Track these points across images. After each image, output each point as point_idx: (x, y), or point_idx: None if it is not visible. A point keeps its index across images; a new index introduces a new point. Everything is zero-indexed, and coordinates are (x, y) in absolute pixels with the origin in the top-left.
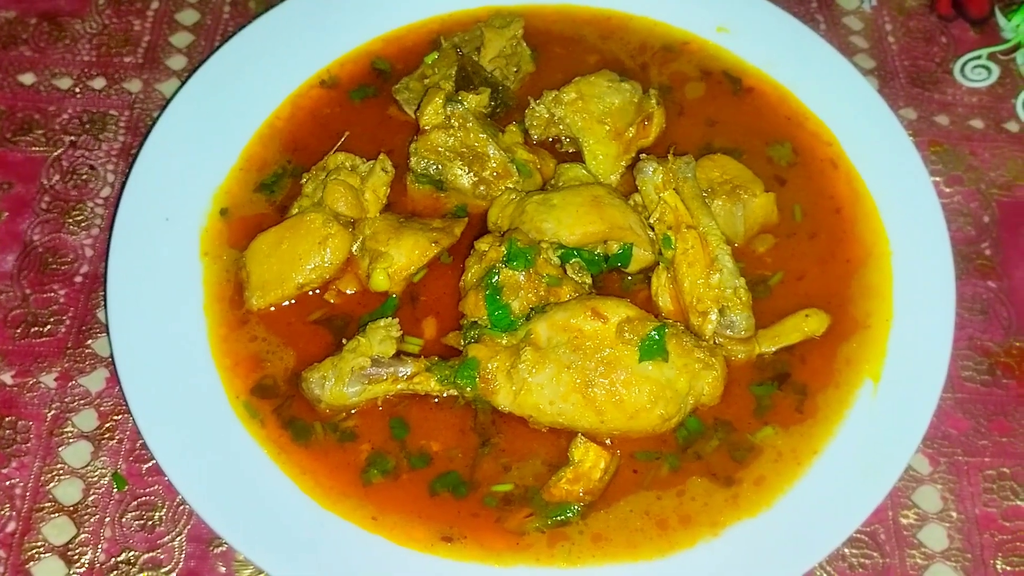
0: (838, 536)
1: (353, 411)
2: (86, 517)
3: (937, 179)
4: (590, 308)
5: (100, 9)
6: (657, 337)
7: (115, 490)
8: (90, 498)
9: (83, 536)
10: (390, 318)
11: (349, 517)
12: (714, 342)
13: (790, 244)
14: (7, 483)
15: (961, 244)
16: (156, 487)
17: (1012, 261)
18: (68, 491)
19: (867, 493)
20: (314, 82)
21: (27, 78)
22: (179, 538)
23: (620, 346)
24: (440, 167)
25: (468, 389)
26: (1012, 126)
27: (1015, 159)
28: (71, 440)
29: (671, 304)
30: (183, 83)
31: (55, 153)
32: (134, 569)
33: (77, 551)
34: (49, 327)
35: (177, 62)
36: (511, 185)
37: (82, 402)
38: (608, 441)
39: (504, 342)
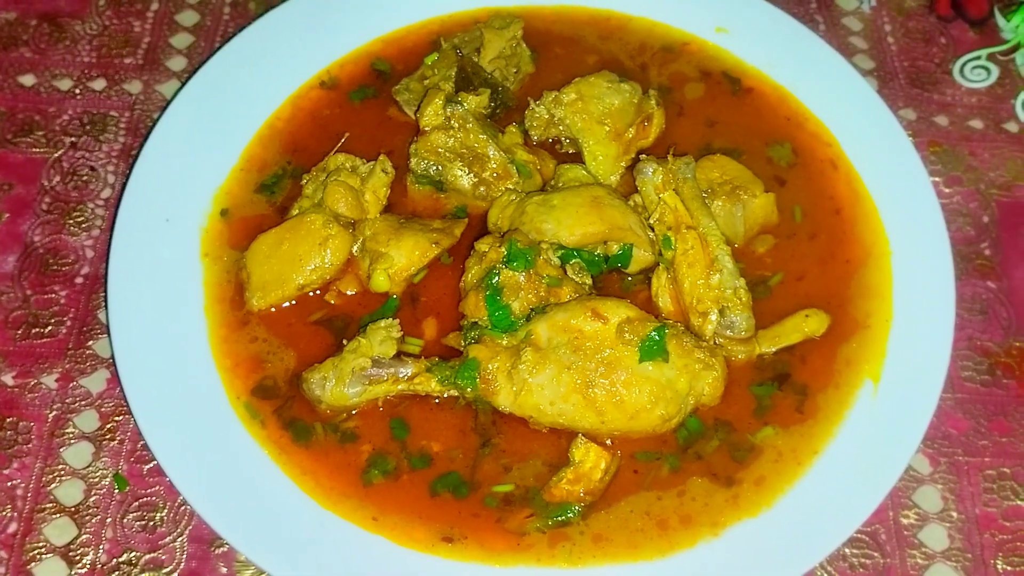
0: (839, 536)
1: (354, 412)
2: (87, 518)
3: (937, 179)
4: (590, 309)
5: (100, 10)
6: (657, 338)
7: (116, 491)
8: (91, 499)
9: (84, 537)
10: (390, 319)
11: (350, 518)
12: (714, 342)
13: (790, 245)
14: (8, 484)
15: (961, 244)
16: (157, 488)
17: (1012, 261)
18: (69, 492)
19: (867, 493)
20: (314, 83)
21: (27, 79)
22: (180, 539)
23: (620, 347)
24: (440, 168)
25: (469, 390)
26: (1011, 126)
27: (1014, 159)
28: (72, 441)
29: (671, 305)
30: (183, 84)
31: (56, 154)
32: (135, 570)
33: (78, 552)
34: (50, 328)
35: (177, 63)
36: (511, 186)
37: (83, 403)
38: (608, 441)
39: (504, 343)
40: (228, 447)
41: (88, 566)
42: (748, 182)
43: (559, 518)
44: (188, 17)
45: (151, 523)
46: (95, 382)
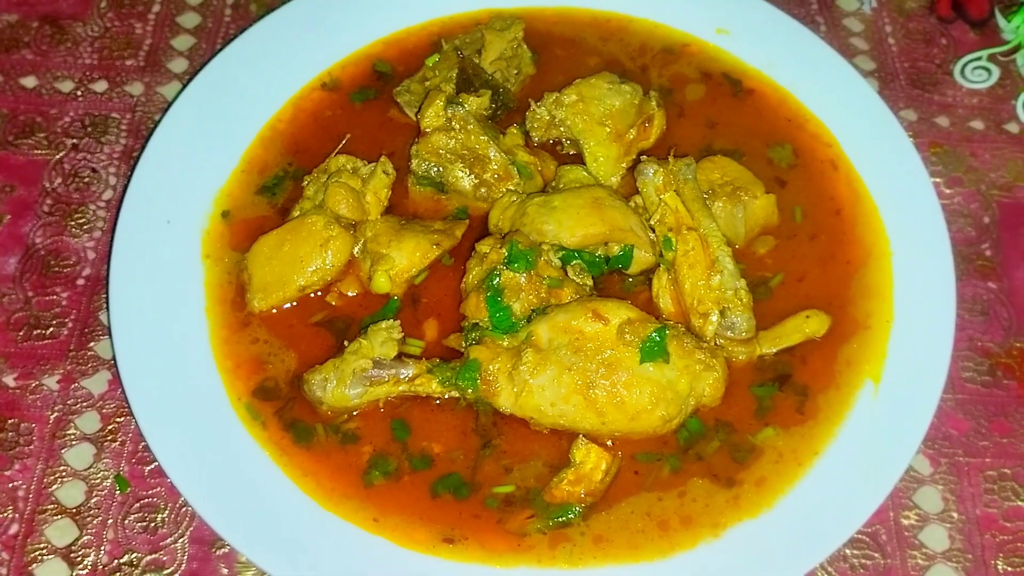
0: (839, 537)
1: (355, 413)
2: (89, 519)
3: (937, 180)
4: (591, 310)
5: (102, 12)
6: (658, 338)
7: (117, 492)
8: (92, 500)
9: (86, 538)
10: (391, 320)
11: (351, 519)
12: (715, 343)
13: (791, 245)
14: (10, 485)
15: (961, 245)
16: (158, 489)
17: (1012, 262)
18: (71, 493)
19: (868, 494)
20: (315, 84)
21: (29, 81)
22: (181, 540)
23: (621, 348)
24: (441, 169)
25: (469, 391)
26: (1012, 127)
27: (1015, 160)
28: (73, 442)
29: (672, 306)
30: (184, 86)
31: (57, 156)
32: (136, 571)
33: (80, 553)
34: (51, 330)
35: (178, 65)
36: (512, 187)
37: (84, 404)
38: (609, 442)
39: (505, 344)
40: (229, 448)
41: (89, 567)
42: (749, 183)
43: (560, 519)
44: (189, 19)
45: (152, 524)
46: (96, 383)
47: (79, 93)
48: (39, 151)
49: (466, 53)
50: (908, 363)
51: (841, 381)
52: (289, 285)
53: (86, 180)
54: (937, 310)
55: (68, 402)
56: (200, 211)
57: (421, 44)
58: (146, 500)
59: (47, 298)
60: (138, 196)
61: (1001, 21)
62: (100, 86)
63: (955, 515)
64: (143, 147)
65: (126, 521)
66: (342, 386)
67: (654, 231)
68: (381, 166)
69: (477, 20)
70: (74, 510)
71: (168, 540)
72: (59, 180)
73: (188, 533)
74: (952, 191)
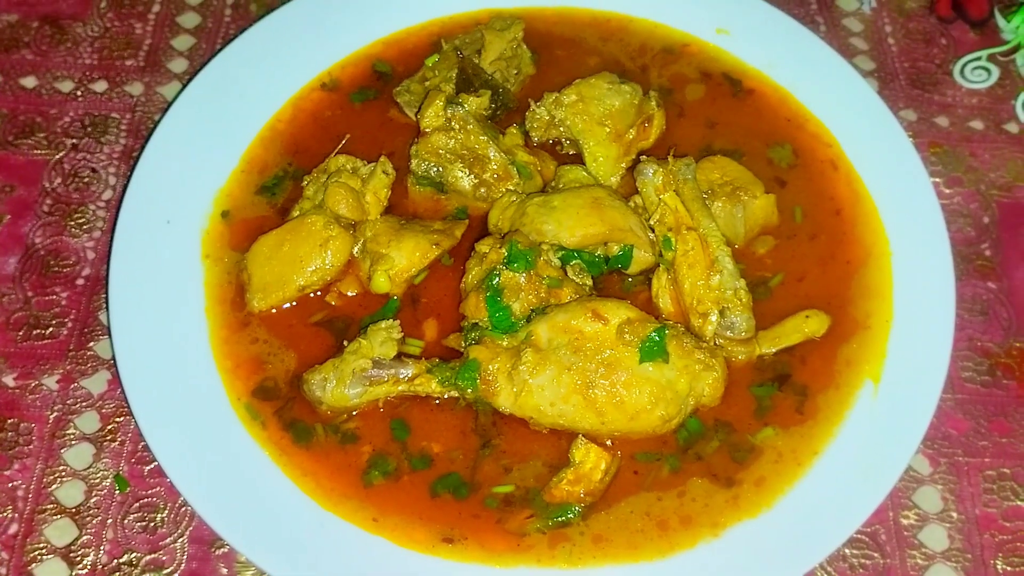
0: (839, 537)
1: (354, 413)
2: (88, 519)
3: (937, 180)
4: (591, 310)
5: (101, 12)
6: (657, 338)
7: (117, 492)
8: (92, 500)
9: (85, 538)
10: (391, 320)
11: (350, 518)
12: (714, 343)
13: (790, 245)
14: (9, 485)
15: (961, 245)
16: (158, 489)
17: (1012, 262)
18: (70, 493)
19: (867, 494)
20: (315, 85)
21: (29, 81)
22: (181, 540)
23: (621, 347)
24: (441, 169)
25: (469, 391)
26: (1012, 127)
27: (1015, 160)
28: (73, 442)
29: (671, 305)
30: (184, 86)
31: (57, 156)
32: (136, 571)
33: (79, 553)
34: (51, 329)
35: (178, 65)
36: (512, 187)
37: (84, 404)
38: (609, 442)
39: (505, 344)
40: (229, 448)
41: (89, 567)
42: (748, 183)
43: (559, 519)
44: (189, 19)
45: (152, 524)
46: (96, 383)
47: (79, 93)
48: (39, 151)
49: (466, 53)
50: (908, 363)
51: (841, 381)
52: (289, 285)
53: (86, 180)
54: (937, 310)
55: (68, 402)
56: (200, 211)
57: (421, 44)
58: (145, 500)
59: (47, 298)
60: (138, 196)
61: (1001, 21)
62: (100, 86)
63: (954, 515)
64: (143, 147)
65: (125, 521)
66: (341, 386)
67: (653, 231)
68: (381, 166)
69: (477, 20)
70: (73, 510)
71: (167, 540)
72: (59, 180)
73: (187, 533)
74: (952, 191)
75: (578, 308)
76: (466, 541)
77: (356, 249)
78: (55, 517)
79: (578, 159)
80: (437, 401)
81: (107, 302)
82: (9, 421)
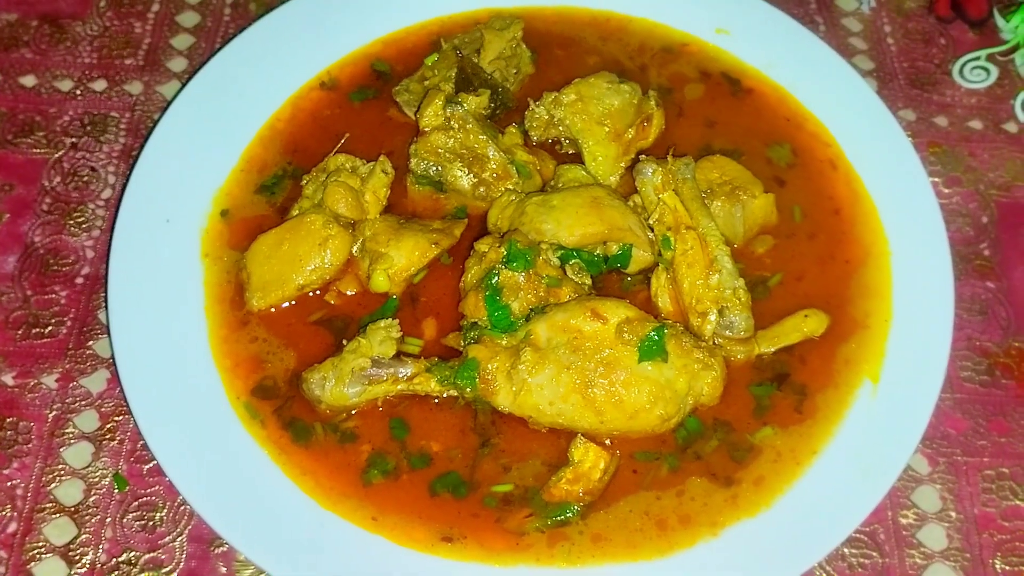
0: (837, 536)
1: (353, 412)
2: (87, 517)
3: (936, 180)
4: (590, 309)
5: (101, 11)
6: (656, 338)
7: (116, 491)
8: (91, 499)
9: (84, 536)
10: (390, 319)
11: (349, 517)
12: (713, 342)
13: (789, 245)
14: (8, 484)
15: (960, 245)
16: (157, 488)
17: (1011, 261)
18: (69, 492)
19: (866, 493)
20: (314, 84)
21: (28, 80)
22: (180, 538)
23: (620, 347)
24: (440, 168)
25: (468, 390)
26: (1011, 127)
27: (1014, 160)
28: (72, 441)
29: (670, 305)
30: (184, 85)
31: (56, 155)
32: (135, 569)
33: (78, 551)
34: (50, 328)
35: (178, 64)
36: (511, 186)
37: (83, 403)
38: (608, 441)
39: (504, 343)
40: (228, 447)
41: (88, 566)
42: (747, 182)
43: (558, 518)
44: (189, 18)
45: (151, 523)
46: (95, 382)
47: (78, 92)
48: (38, 150)
49: (465, 52)
50: (907, 362)
51: (839, 380)
52: (288, 284)
53: (85, 179)
54: (936, 309)
55: (67, 401)
56: (199, 210)
57: (420, 43)
58: (144, 499)
59: (46, 297)
60: (137, 195)
61: (1000, 21)
62: (99, 85)
63: (953, 514)
64: (142, 146)
65: (124, 520)
66: (341, 385)
67: (653, 230)
68: (380, 165)
69: (476, 19)
70: (72, 509)
71: (166, 539)
72: (58, 179)
73: (186, 532)
74: (951, 191)
75: (577, 307)
76: (465, 540)
77: (355, 248)
78: (54, 516)
79: (577, 158)
80: (436, 400)
81: (106, 301)
82: (8, 420)
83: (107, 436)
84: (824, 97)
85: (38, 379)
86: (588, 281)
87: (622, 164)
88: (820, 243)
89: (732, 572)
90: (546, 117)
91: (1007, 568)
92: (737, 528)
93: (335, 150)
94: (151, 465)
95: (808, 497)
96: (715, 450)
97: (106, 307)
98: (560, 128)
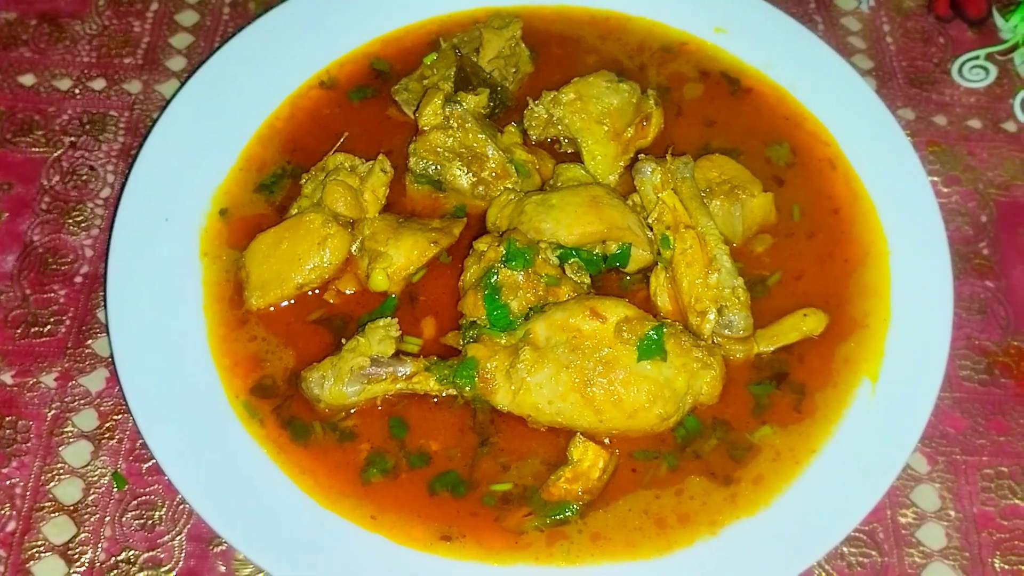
0: (836, 535)
1: (352, 411)
2: (86, 516)
3: (935, 179)
4: (589, 308)
5: (100, 10)
6: (656, 336)
7: (115, 489)
8: (90, 497)
9: (83, 535)
10: (389, 318)
11: (348, 516)
12: (712, 341)
13: (788, 244)
14: (7, 483)
15: (959, 244)
16: (156, 486)
17: (1010, 261)
18: (68, 490)
19: (865, 492)
20: (313, 83)
21: (27, 79)
22: (179, 537)
23: (619, 345)
24: (439, 167)
25: (467, 389)
26: (1010, 126)
27: (1013, 159)
28: (71, 440)
29: (669, 304)
30: (183, 84)
31: (55, 154)
32: (134, 568)
33: (77, 550)
34: (49, 327)
35: (177, 63)
36: (510, 185)
37: (82, 402)
38: (607, 440)
39: (503, 342)
40: (227, 446)
41: (87, 564)
42: (746, 182)
43: (557, 517)
44: (188, 17)
45: (150, 522)
46: (94, 381)
47: (77, 91)
48: (37, 149)
49: (464, 51)
50: (905, 361)
51: (838, 379)
52: (287, 283)
53: (84, 178)
54: (935, 309)
55: (66, 399)
56: (198, 209)
57: (419, 42)
58: (144, 497)
59: (45, 296)
60: (136, 194)
61: (999, 20)
62: (98, 84)
63: (952, 513)
64: (141, 145)
65: (123, 518)
66: (340, 384)
67: (652, 229)
68: (379, 164)
69: (475, 18)
70: (71, 507)
71: (166, 537)
72: (57, 178)
73: (186, 530)
74: (950, 190)
75: (576, 306)
76: (464, 539)
77: (354, 247)
78: (53, 515)
79: (576, 157)
80: (435, 399)
81: (105, 300)
82: (7, 419)
83: (106, 435)
84: (823, 96)
85: (37, 378)
86: (587, 280)
87: (621, 163)
88: (819, 242)
89: (731, 571)
90: (545, 116)
91: (1006, 567)
92: (736, 527)
93: (334, 149)
94: (150, 464)
95: (807, 496)
96: (714, 449)
97: (105, 306)
98: (559, 127)
